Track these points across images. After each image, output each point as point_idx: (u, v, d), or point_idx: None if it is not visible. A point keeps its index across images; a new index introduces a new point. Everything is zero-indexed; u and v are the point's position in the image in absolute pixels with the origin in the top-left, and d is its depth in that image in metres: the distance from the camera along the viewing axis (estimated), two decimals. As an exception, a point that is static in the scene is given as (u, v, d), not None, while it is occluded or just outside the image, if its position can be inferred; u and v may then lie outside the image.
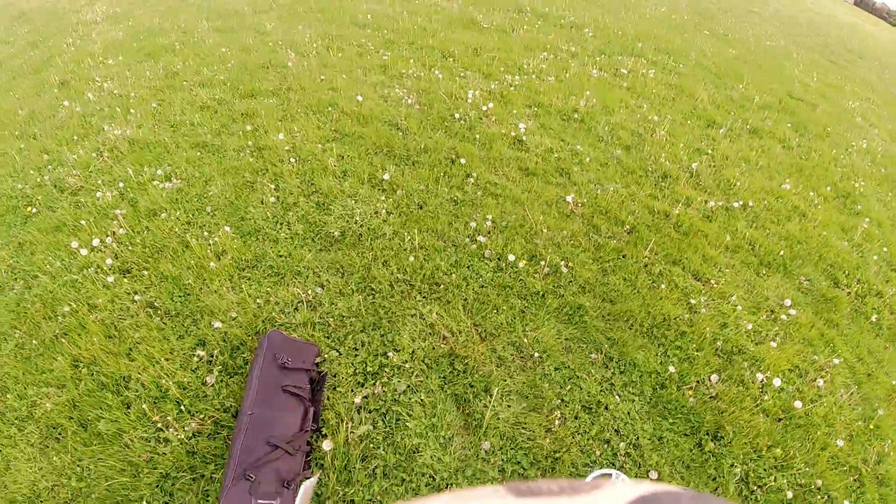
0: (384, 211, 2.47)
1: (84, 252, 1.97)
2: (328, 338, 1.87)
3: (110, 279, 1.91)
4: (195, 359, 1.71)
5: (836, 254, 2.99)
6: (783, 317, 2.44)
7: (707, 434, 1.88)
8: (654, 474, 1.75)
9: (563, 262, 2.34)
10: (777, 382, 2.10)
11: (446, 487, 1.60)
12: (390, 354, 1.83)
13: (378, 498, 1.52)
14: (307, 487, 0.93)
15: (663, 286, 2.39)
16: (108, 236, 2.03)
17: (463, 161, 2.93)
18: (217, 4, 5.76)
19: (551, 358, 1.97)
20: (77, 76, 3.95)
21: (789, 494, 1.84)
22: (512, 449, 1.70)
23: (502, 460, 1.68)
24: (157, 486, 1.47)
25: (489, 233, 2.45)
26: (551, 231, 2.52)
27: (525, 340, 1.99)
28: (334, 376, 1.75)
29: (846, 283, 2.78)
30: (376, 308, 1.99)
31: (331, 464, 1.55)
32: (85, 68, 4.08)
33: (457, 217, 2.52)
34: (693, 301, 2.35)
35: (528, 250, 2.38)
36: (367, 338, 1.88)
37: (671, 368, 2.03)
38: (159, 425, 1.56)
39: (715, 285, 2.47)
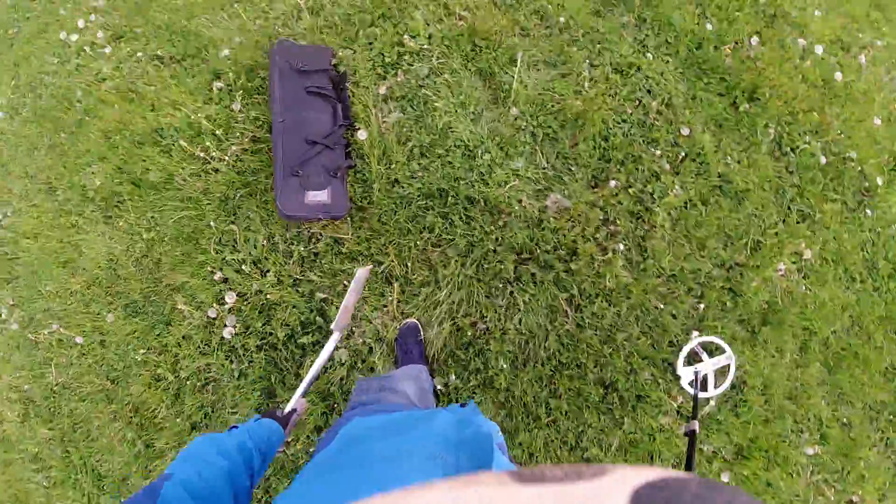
0: None
1: (74, 38, 2.02)
2: (339, 37, 1.82)
3: (107, 49, 1.98)
4: (215, 91, 1.79)
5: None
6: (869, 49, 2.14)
7: (743, 94, 1.84)
8: (685, 130, 1.76)
9: None
10: (819, 50, 1.96)
11: (480, 155, 1.66)
12: (407, 41, 1.76)
13: (419, 174, 1.66)
14: (360, 277, 1.02)
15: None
16: (90, 14, 2.04)
17: None
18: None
19: (579, 23, 1.86)
20: None
21: (822, 160, 1.83)
22: (541, 114, 1.72)
23: (532, 125, 1.72)
24: (220, 209, 1.69)
25: None
26: None
27: (549, 7, 1.86)
28: (353, 73, 1.76)
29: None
30: (381, -2, 1.84)
31: (370, 151, 1.67)
32: None
33: None
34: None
35: None
36: (379, 30, 1.79)
37: (709, 27, 1.90)
38: (204, 157, 1.72)
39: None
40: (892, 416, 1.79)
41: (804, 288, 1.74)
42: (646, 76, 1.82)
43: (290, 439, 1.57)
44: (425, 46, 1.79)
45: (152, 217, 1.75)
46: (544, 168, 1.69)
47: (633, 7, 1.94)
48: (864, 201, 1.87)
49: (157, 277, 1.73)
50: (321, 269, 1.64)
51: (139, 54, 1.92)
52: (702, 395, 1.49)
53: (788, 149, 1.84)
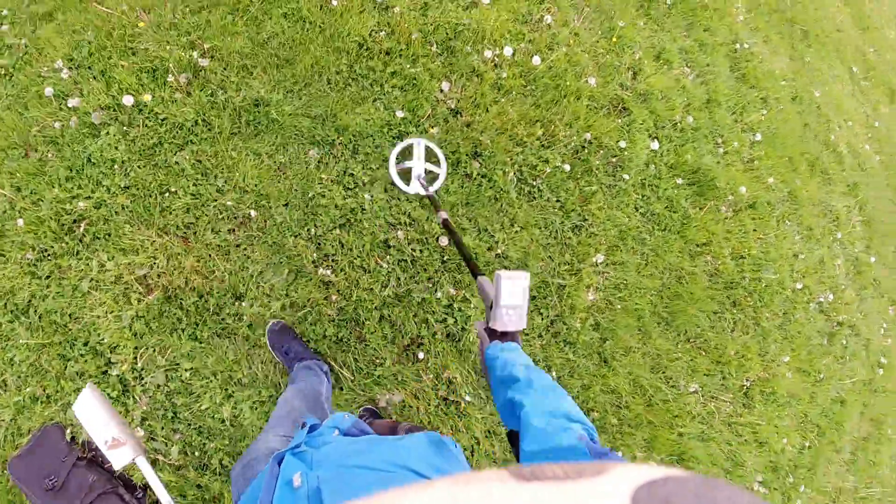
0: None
1: None
2: (53, 402, 1.50)
3: None
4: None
5: None
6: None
7: (469, 158, 1.78)
8: (443, 240, 1.69)
9: (199, 58, 1.71)
10: (508, 51, 1.87)
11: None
12: (114, 362, 1.52)
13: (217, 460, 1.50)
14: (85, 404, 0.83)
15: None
16: None
17: None
18: None
19: (270, 203, 1.64)
20: None
21: (566, 167, 1.85)
22: (307, 330, 1.58)
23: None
24: None
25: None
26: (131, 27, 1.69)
27: (231, 205, 1.62)
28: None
29: None
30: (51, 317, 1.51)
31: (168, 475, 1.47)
32: None
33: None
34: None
35: (134, 67, 1.66)
36: (77, 364, 1.50)
37: (399, 113, 1.75)
38: None
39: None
40: (732, 307, 2.13)
41: (613, 285, 1.90)
42: (374, 212, 1.70)
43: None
44: (139, 349, 1.54)
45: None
46: (351, 380, 1.62)
47: (315, 137, 1.73)
48: (616, 172, 1.98)
49: None
50: None
51: None
52: (433, 189, 1.62)
53: (532, 179, 1.87)
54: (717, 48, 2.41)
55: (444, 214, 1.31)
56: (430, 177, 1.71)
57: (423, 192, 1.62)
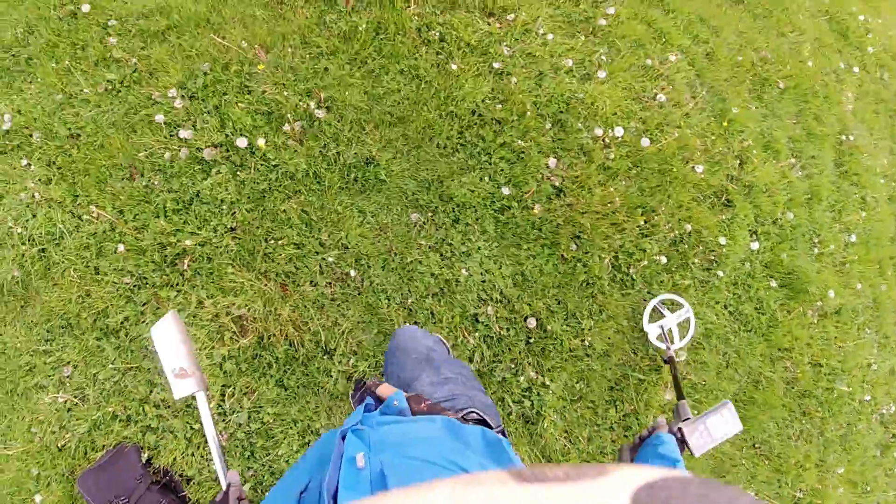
0: None
1: None
2: (134, 425, 1.53)
3: None
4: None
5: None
6: (601, 22, 1.95)
7: (568, 239, 1.77)
8: (531, 322, 1.70)
9: (315, 108, 1.73)
10: (619, 132, 1.85)
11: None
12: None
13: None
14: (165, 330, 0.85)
15: (454, 59, 1.81)
16: None
17: None
18: None
19: (369, 263, 1.66)
20: None
21: (663, 259, 1.82)
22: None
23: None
24: None
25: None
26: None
27: (330, 260, 1.64)
28: (173, 461, 1.53)
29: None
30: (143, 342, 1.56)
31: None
32: None
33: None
34: (497, 63, 1.83)
35: (250, 108, 1.69)
36: (147, 389, 1.53)
37: (505, 190, 1.76)
38: None
39: (514, 17, 1.87)
40: (801, 416, 2.09)
41: (690, 385, 1.88)
42: (467, 283, 1.70)
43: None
44: (227, 387, 1.58)
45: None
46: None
47: (418, 201, 1.73)
48: (711, 267, 1.93)
49: None
50: None
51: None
52: (672, 347, 1.72)
53: (627, 267, 1.84)
54: (824, 139, 2.31)
55: (671, 353, 1.56)
56: (682, 322, 1.80)
57: (655, 341, 1.73)
